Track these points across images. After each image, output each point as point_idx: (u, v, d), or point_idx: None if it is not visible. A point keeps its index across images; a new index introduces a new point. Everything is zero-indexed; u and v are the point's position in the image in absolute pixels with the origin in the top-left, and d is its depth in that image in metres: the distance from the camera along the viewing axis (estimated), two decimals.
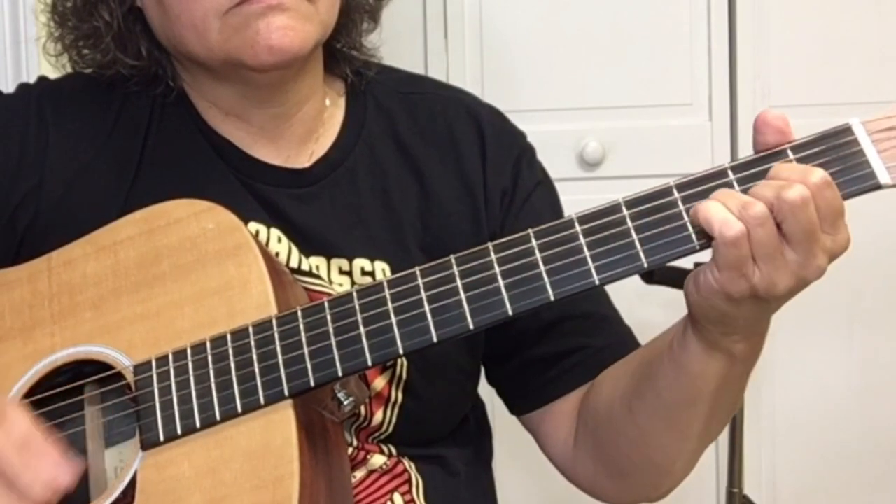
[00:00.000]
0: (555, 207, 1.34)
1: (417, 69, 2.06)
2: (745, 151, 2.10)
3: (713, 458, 2.18)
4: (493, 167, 1.30)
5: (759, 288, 1.00)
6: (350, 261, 1.24)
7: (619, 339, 1.30)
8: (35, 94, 1.29)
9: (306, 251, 1.23)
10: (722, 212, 0.99)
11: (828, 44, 2.11)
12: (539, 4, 2.12)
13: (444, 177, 1.29)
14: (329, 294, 1.21)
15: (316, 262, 1.23)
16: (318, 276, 1.23)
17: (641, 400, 1.18)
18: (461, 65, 2.12)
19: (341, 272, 1.24)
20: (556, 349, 1.28)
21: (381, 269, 1.24)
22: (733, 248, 0.99)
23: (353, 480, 1.21)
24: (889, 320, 2.17)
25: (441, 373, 1.25)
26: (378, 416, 1.23)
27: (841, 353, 2.19)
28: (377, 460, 1.24)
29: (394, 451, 1.25)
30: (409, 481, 1.25)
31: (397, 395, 1.23)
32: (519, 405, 1.33)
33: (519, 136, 1.35)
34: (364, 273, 1.24)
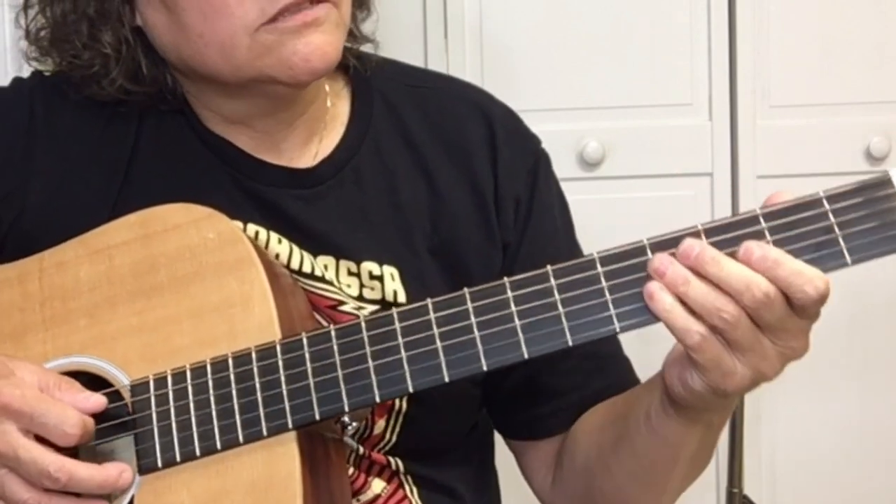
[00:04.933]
0: (569, 221, 1.31)
1: None
2: (745, 152, 2.13)
3: (713, 458, 2.17)
4: (506, 172, 1.26)
5: (749, 378, 0.99)
6: (358, 264, 1.21)
7: (617, 381, 1.27)
8: (27, 89, 1.26)
9: (314, 251, 1.20)
10: (682, 318, 0.97)
11: (828, 44, 2.11)
12: (539, 4, 2.12)
13: (452, 177, 1.25)
14: (332, 298, 1.19)
15: (324, 262, 1.21)
16: (322, 279, 1.20)
17: (619, 459, 1.17)
18: (461, 65, 2.11)
19: (350, 273, 1.21)
20: (554, 385, 1.26)
21: (390, 274, 1.21)
22: (701, 353, 0.98)
23: None
24: (888, 321, 2.17)
25: (449, 384, 1.22)
26: (380, 424, 1.20)
27: (841, 353, 2.19)
28: (377, 486, 1.21)
29: (400, 466, 1.22)
30: None
31: (402, 405, 1.20)
32: (507, 431, 1.32)
33: (534, 141, 1.32)
34: (372, 277, 1.21)
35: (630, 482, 1.18)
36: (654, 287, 0.98)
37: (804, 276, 0.97)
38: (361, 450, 1.21)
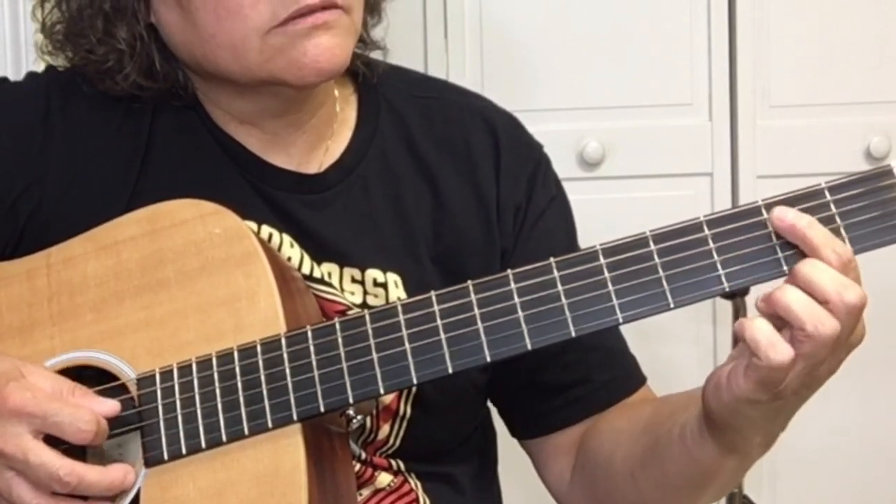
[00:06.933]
0: (567, 224, 1.31)
1: (417, 69, 2.06)
2: (745, 152, 2.12)
3: None
4: (507, 180, 1.27)
5: (785, 393, 1.00)
6: (362, 271, 1.21)
7: (623, 374, 1.28)
8: (43, 82, 1.26)
9: (318, 258, 1.21)
10: (769, 333, 0.97)
11: (828, 44, 2.11)
12: (539, 5, 2.12)
13: (457, 186, 1.26)
14: (340, 303, 1.19)
15: (328, 269, 1.21)
16: (329, 284, 1.20)
17: (645, 471, 1.16)
18: (461, 65, 2.12)
19: (353, 280, 1.21)
20: (559, 379, 1.26)
21: (394, 281, 1.21)
22: (779, 372, 0.98)
23: (360, 499, 1.19)
24: (887, 321, 2.17)
25: (453, 388, 1.21)
26: (385, 429, 1.20)
27: None
28: (384, 479, 1.21)
29: (402, 466, 1.22)
30: (415, 501, 1.23)
31: (406, 409, 1.21)
32: (518, 430, 1.31)
33: (535, 148, 1.32)
34: (376, 284, 1.21)
35: (655, 494, 1.17)
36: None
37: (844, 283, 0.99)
38: (364, 455, 1.21)
